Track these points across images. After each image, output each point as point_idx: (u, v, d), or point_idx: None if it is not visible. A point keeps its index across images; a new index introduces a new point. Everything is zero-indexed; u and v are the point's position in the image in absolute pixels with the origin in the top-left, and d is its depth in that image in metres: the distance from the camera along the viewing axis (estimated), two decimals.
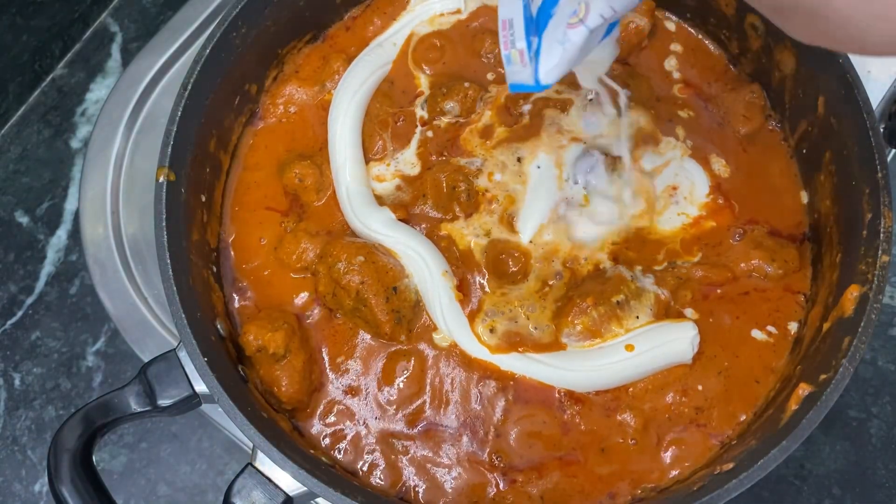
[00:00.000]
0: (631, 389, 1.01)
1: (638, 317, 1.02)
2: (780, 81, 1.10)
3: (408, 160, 1.13)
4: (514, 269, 1.05)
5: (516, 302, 1.04)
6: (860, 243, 0.95)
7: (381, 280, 1.02)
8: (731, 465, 0.90)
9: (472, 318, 1.04)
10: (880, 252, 0.92)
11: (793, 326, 1.04)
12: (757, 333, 1.03)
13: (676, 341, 1.00)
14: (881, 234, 0.93)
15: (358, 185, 1.10)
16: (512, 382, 1.02)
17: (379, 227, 1.06)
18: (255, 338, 0.99)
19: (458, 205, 1.09)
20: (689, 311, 1.04)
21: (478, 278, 1.06)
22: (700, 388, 1.01)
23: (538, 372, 1.01)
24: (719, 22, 1.15)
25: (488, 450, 1.00)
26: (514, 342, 1.03)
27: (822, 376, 0.90)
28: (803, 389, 0.92)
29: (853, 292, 0.93)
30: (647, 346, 1.00)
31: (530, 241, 1.07)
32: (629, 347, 1.00)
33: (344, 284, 1.01)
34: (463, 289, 1.05)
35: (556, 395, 1.01)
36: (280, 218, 1.11)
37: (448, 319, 1.03)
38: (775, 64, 1.09)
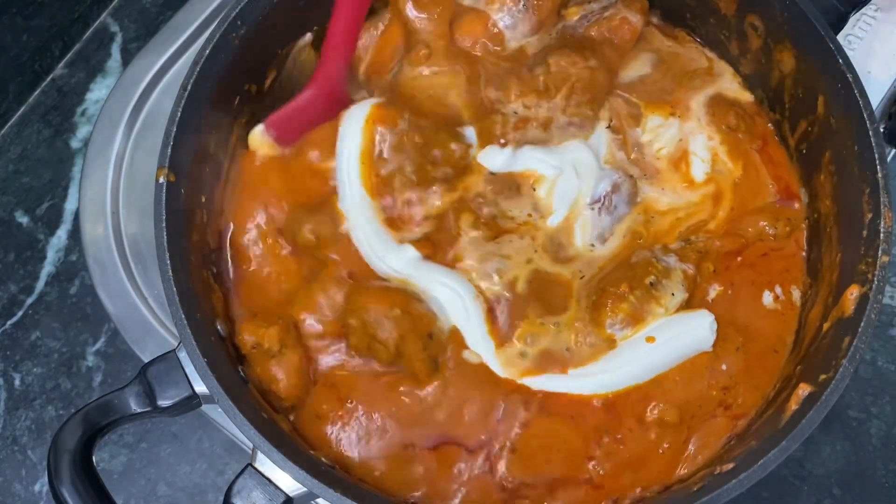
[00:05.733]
0: (660, 391, 1.01)
1: (674, 294, 1.02)
2: (779, 81, 1.10)
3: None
4: (557, 301, 1.05)
5: (553, 328, 1.04)
6: (860, 243, 0.95)
7: (418, 329, 1.00)
8: (731, 466, 0.90)
9: (504, 341, 1.03)
10: (880, 252, 0.92)
11: (797, 294, 1.05)
12: (768, 299, 1.04)
13: (696, 329, 1.01)
14: (881, 234, 0.92)
15: (374, 224, 1.07)
16: (539, 396, 1.01)
17: (404, 267, 1.05)
18: (250, 334, 0.99)
19: (484, 227, 1.08)
20: (713, 287, 1.05)
21: (513, 304, 1.05)
22: (724, 367, 1.02)
23: (564, 385, 1.01)
24: (719, 22, 1.15)
25: (503, 466, 0.99)
26: (546, 364, 1.02)
27: (822, 376, 0.90)
28: (803, 389, 0.92)
29: (853, 292, 0.93)
30: (668, 336, 1.00)
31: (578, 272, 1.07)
32: (650, 339, 1.00)
33: (382, 340, 0.99)
34: (494, 313, 1.04)
35: (587, 406, 1.01)
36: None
37: (480, 344, 1.02)
38: (775, 64, 1.09)
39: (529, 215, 1.09)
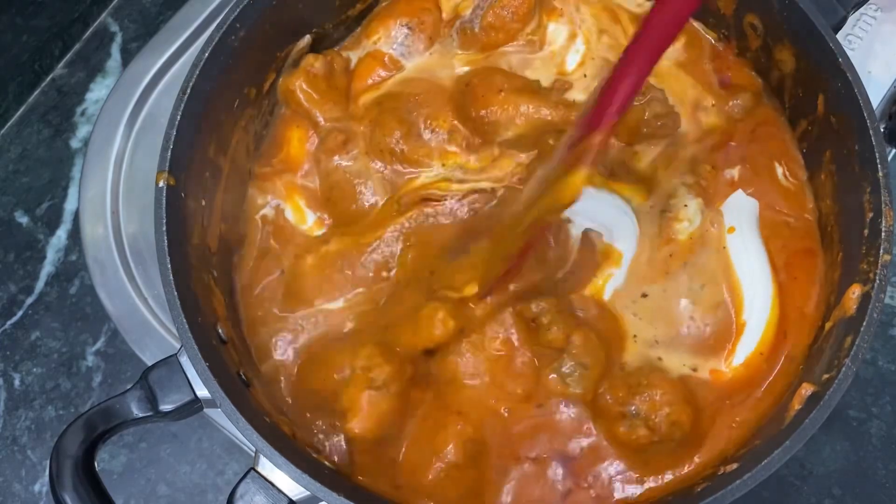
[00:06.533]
0: None
1: (686, 205, 1.05)
2: (779, 81, 1.10)
3: None
4: None
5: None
6: (861, 242, 0.95)
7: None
8: (735, 466, 0.90)
9: None
10: (882, 251, 0.92)
11: (802, 174, 1.08)
12: (780, 173, 1.07)
13: (741, 205, 1.04)
14: (882, 234, 0.92)
15: None
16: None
17: None
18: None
19: None
20: (729, 172, 1.07)
21: None
22: None
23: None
24: (718, 22, 1.14)
25: None
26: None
27: (825, 376, 0.90)
28: (806, 389, 0.92)
29: (855, 291, 0.93)
30: (735, 217, 1.04)
31: None
32: (731, 230, 1.03)
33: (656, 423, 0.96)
34: None
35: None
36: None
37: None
38: (775, 63, 1.09)
39: None
